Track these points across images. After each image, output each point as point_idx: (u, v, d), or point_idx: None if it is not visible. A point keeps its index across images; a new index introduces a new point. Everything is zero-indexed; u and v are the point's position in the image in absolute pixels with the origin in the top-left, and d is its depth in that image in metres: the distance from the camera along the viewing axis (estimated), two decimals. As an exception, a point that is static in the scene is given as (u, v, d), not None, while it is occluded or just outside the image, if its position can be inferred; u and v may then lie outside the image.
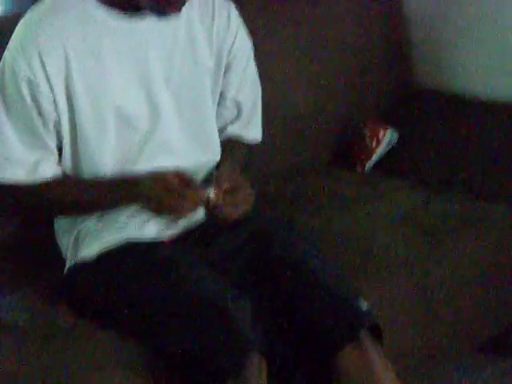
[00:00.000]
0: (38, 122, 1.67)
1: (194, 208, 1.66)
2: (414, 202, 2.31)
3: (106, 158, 1.72)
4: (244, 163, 1.95)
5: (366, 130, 2.57)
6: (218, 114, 1.90)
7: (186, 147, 1.80)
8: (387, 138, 2.56)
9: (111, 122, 1.70)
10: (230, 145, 1.93)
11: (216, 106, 1.89)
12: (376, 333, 1.64)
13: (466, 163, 2.44)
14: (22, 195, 1.73)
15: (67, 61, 1.65)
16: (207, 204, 1.66)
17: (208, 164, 1.85)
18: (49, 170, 1.71)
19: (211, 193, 1.65)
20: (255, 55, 1.94)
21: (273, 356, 1.57)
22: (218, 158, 1.87)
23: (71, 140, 1.71)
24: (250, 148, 2.00)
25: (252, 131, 1.98)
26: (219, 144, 1.88)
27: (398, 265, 2.01)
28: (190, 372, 1.53)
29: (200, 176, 1.83)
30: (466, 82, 2.68)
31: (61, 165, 1.74)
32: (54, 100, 1.66)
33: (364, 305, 1.66)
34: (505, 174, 2.36)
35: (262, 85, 1.99)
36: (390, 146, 2.58)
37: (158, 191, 1.65)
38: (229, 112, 1.92)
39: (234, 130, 1.94)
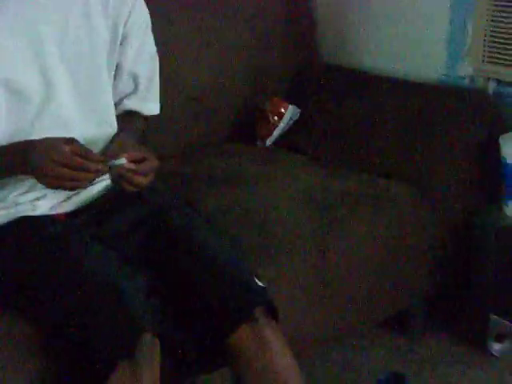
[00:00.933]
0: None
1: (90, 179, 1.59)
2: (315, 180, 2.31)
3: None
4: (142, 136, 1.91)
5: (267, 105, 2.57)
6: (115, 87, 1.87)
7: (81, 120, 1.76)
8: (288, 113, 2.57)
9: (2, 93, 1.64)
10: (126, 118, 1.90)
11: (112, 80, 1.85)
12: (273, 313, 1.64)
13: (366, 140, 2.46)
14: None
15: None
16: (118, 173, 1.60)
17: (104, 137, 1.81)
18: None
19: (121, 161, 1.59)
20: (157, 31, 1.91)
21: (167, 336, 1.55)
22: (114, 131, 1.83)
23: None
24: (148, 121, 1.97)
25: (149, 105, 1.95)
26: (115, 118, 1.85)
27: (297, 243, 2.01)
28: (82, 353, 1.50)
29: (95, 150, 1.78)
30: (369, 59, 2.71)
31: None
32: None
33: (259, 284, 1.65)
34: (402, 152, 2.38)
35: (162, 61, 1.95)
36: (292, 122, 2.58)
37: (48, 164, 1.55)
38: (125, 85, 1.89)
39: (130, 103, 1.91)
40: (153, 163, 1.67)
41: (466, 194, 2.39)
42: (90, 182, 1.62)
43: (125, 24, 1.80)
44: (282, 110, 2.56)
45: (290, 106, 2.57)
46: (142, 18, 1.86)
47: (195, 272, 1.64)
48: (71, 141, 1.59)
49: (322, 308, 2.07)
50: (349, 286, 2.12)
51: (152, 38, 1.91)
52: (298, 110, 2.58)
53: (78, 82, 1.74)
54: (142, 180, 1.64)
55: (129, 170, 1.60)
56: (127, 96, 1.90)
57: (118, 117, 1.86)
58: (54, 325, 1.56)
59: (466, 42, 2.49)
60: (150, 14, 1.88)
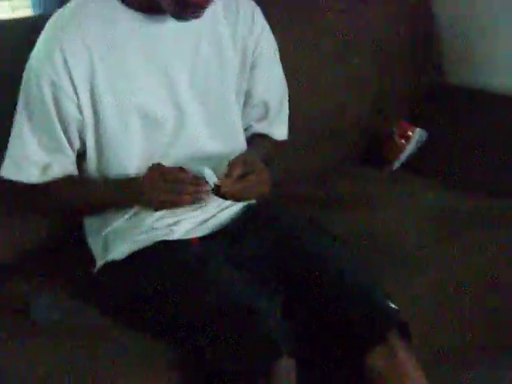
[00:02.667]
0: (57, 125, 1.70)
1: (192, 196, 1.65)
2: (443, 203, 2.30)
3: (132, 160, 1.74)
4: (268, 157, 1.92)
5: (395, 129, 2.57)
6: (246, 114, 1.92)
7: (213, 146, 1.81)
8: (416, 137, 2.56)
9: (136, 124, 1.73)
10: (255, 139, 1.95)
11: (242, 106, 1.90)
12: (406, 334, 1.64)
13: (495, 162, 2.42)
14: (35, 195, 1.77)
15: (92, 64, 1.67)
16: (217, 192, 1.64)
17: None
18: (60, 170, 1.74)
19: (213, 180, 1.63)
20: (280, 55, 1.96)
21: (302, 358, 1.57)
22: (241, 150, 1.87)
23: (95, 142, 1.73)
24: (276, 145, 2.00)
25: (278, 129, 1.99)
26: (245, 142, 1.89)
27: (427, 266, 2.01)
28: (218, 375, 1.52)
29: None
30: (496, 78, 2.66)
31: (74, 166, 1.77)
32: (78, 103, 1.69)
33: (393, 306, 1.66)
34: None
35: (288, 87, 1.99)
36: (419, 146, 2.57)
37: (153, 180, 1.64)
38: (256, 111, 1.94)
39: (259, 127, 1.96)
40: (259, 176, 1.68)
41: None
42: (193, 198, 1.66)
43: (253, 53, 1.85)
44: (410, 133, 2.55)
45: (418, 129, 2.55)
46: (270, 45, 1.90)
47: (328, 293, 1.66)
48: (178, 167, 1.67)
49: (455, 327, 2.06)
50: (483, 305, 2.11)
51: (280, 64, 1.95)
52: (426, 133, 2.57)
53: (208, 110, 1.80)
54: (241, 196, 1.68)
55: (223, 189, 1.63)
56: (257, 120, 1.95)
57: (246, 139, 1.91)
58: (190, 347, 1.60)
59: None
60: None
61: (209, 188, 1.63)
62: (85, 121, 1.70)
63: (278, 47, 1.96)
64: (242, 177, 1.66)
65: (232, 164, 1.66)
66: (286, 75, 2.00)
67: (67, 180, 1.75)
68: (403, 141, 2.55)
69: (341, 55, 2.54)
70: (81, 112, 1.70)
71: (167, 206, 1.69)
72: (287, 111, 2.01)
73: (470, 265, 2.09)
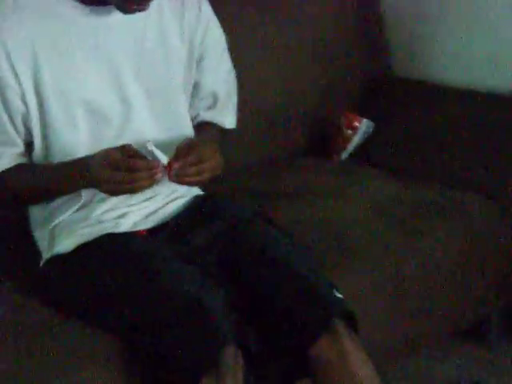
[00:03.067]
0: (4, 117, 1.68)
1: (148, 182, 1.59)
2: (389, 192, 2.32)
3: (79, 153, 1.72)
4: (216, 141, 1.90)
5: (341, 119, 2.59)
6: (194, 105, 1.92)
7: (160, 139, 1.79)
8: (363, 127, 2.58)
9: (82, 117, 1.72)
10: (203, 126, 1.94)
11: (189, 97, 1.90)
12: (351, 324, 1.65)
13: (440, 152, 2.46)
14: None
15: (35, 57, 1.66)
16: (168, 172, 1.61)
17: None
18: (9, 162, 1.73)
19: (164, 159, 1.60)
20: (228, 47, 1.96)
21: (248, 348, 1.58)
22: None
23: (42, 135, 1.72)
24: (224, 133, 2.00)
25: (226, 118, 1.99)
26: (193, 134, 1.89)
27: (373, 256, 2.03)
28: (165, 366, 1.53)
29: None
30: (441, 71, 2.69)
31: (25, 156, 1.75)
32: (23, 96, 1.67)
33: (338, 295, 1.67)
34: (477, 163, 2.37)
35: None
36: (366, 136, 2.59)
37: (103, 171, 1.59)
38: (204, 102, 1.94)
39: (207, 116, 1.96)
40: (211, 163, 1.65)
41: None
42: (149, 183, 1.60)
43: (201, 44, 1.85)
44: (357, 124, 2.57)
45: (364, 120, 2.58)
46: (217, 37, 1.91)
47: (274, 283, 1.66)
48: (124, 146, 1.62)
49: (397, 319, 2.08)
50: (424, 297, 2.13)
51: (228, 55, 1.96)
52: (372, 124, 2.59)
53: (154, 100, 1.79)
54: (192, 181, 1.65)
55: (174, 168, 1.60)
56: (205, 110, 1.95)
57: (194, 128, 1.91)
58: (135, 339, 1.60)
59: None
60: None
61: (162, 169, 1.59)
62: (30, 114, 1.69)
63: (227, 40, 1.96)
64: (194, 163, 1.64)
65: (178, 148, 1.64)
66: (234, 67, 2.00)
67: (16, 168, 1.74)
68: (350, 131, 2.57)
69: (288, 47, 2.55)
70: (26, 105, 1.68)
71: (121, 194, 1.66)
72: (235, 101, 2.01)
73: (416, 255, 2.11)
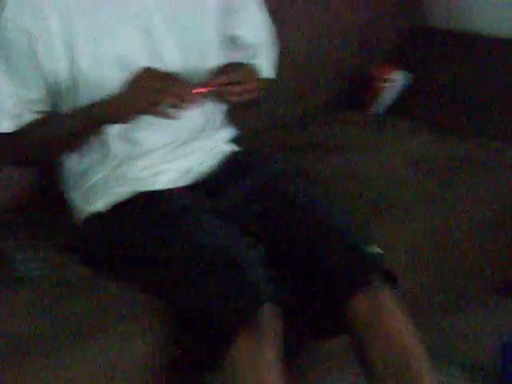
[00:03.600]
0: (33, 74, 1.67)
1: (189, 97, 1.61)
2: (426, 145, 2.30)
3: None
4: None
5: (377, 71, 2.56)
6: (232, 58, 1.87)
7: None
8: (399, 79, 2.54)
9: (114, 72, 1.69)
10: None
11: (226, 51, 1.86)
12: (390, 279, 1.64)
13: (479, 104, 2.43)
14: (12, 144, 1.73)
15: (68, 12, 1.65)
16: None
17: (217, 109, 1.85)
18: (32, 118, 1.71)
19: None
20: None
21: (287, 304, 1.57)
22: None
23: (71, 92, 1.70)
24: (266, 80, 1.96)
25: (266, 68, 1.95)
26: None
27: (410, 208, 2.01)
28: (203, 322, 1.53)
29: (213, 123, 1.84)
30: (479, 20, 2.64)
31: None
32: (54, 54, 1.66)
33: (376, 250, 1.66)
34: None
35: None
36: (403, 88, 2.55)
37: (142, 79, 1.60)
38: (242, 55, 1.90)
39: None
40: (251, 85, 1.67)
41: None
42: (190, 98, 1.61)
43: None
44: (392, 76, 2.54)
45: (399, 72, 2.54)
46: None
47: (312, 240, 1.65)
48: (157, 70, 1.62)
49: (437, 274, 2.07)
50: (464, 251, 2.11)
51: (264, 8, 1.92)
52: (409, 76, 2.55)
53: (188, 57, 1.77)
54: (235, 97, 1.66)
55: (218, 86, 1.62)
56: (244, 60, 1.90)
57: None
58: (172, 296, 1.60)
59: None
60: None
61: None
62: (60, 70, 1.67)
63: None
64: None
65: (217, 68, 1.66)
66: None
67: (39, 120, 1.72)
68: (386, 84, 2.53)
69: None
70: (56, 61, 1.67)
71: (148, 109, 1.61)
72: (274, 54, 1.98)
73: (456, 208, 2.09)
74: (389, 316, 1.60)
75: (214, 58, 1.81)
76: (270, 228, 1.70)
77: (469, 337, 2.29)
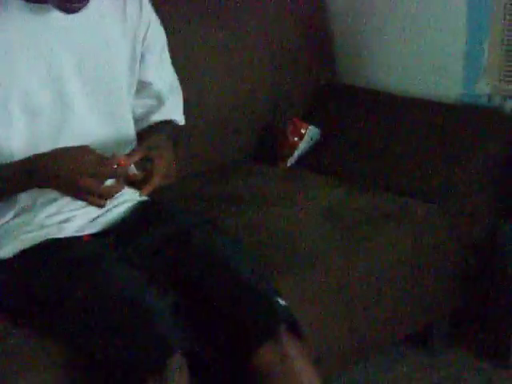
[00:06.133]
0: None
1: (116, 187, 1.62)
2: (336, 198, 2.34)
3: (13, 148, 1.69)
4: (173, 138, 1.89)
5: (288, 126, 2.60)
6: (138, 104, 1.90)
7: (101, 139, 1.78)
8: (309, 134, 2.59)
9: (18, 112, 1.68)
10: (154, 126, 1.92)
11: (133, 98, 1.88)
12: (296, 331, 1.64)
13: (385, 159, 2.48)
14: None
15: None
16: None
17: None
18: None
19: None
20: (172, 49, 1.96)
21: (194, 355, 1.57)
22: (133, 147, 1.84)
23: None
24: (176, 130, 1.98)
25: (175, 114, 1.97)
26: (135, 134, 1.88)
27: (320, 261, 2.03)
28: (111, 372, 1.51)
29: None
30: (387, 79, 2.73)
31: None
32: None
33: (282, 302, 1.66)
34: (422, 169, 2.40)
35: (182, 83, 1.99)
36: (313, 143, 2.60)
37: (67, 169, 1.57)
38: (149, 101, 1.92)
39: (156, 117, 1.94)
40: (158, 166, 1.65)
41: (486, 210, 2.41)
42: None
43: (143, 39, 1.84)
44: (302, 131, 2.58)
45: (310, 127, 2.59)
46: (159, 33, 1.90)
47: (219, 290, 1.65)
48: (90, 149, 1.61)
49: (344, 325, 2.08)
50: (372, 304, 2.14)
51: (168, 54, 1.95)
52: (318, 131, 2.61)
53: (96, 102, 1.77)
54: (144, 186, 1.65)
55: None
56: (153, 111, 1.93)
57: (143, 131, 1.89)
58: (80, 345, 1.58)
59: (483, 61, 2.51)
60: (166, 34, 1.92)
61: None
62: None
63: (172, 41, 1.95)
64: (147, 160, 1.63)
65: (134, 150, 1.65)
66: (179, 69, 2.00)
67: None
68: (296, 138, 2.58)
69: (234, 50, 2.55)
70: None
71: (87, 201, 1.62)
72: (181, 97, 2.00)
73: (363, 261, 2.12)
74: (294, 366, 1.59)
75: (124, 106, 1.84)
76: (180, 277, 1.69)
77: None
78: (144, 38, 1.84)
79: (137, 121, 1.91)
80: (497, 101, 2.51)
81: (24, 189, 1.68)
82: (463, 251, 2.36)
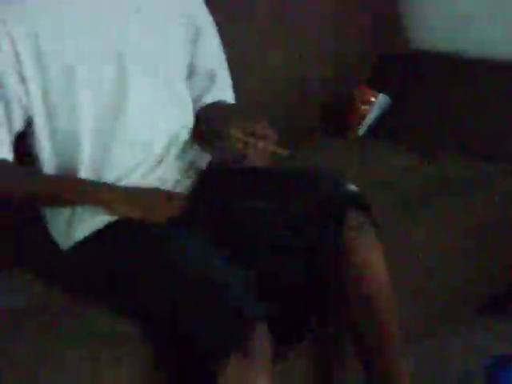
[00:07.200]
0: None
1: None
2: (409, 166, 2.31)
3: (82, 126, 1.71)
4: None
5: (357, 94, 2.56)
6: (191, 86, 1.90)
7: (159, 111, 1.79)
8: (379, 101, 2.56)
9: (82, 86, 1.70)
10: (215, 106, 1.91)
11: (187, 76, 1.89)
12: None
13: (459, 125, 2.45)
14: None
15: (36, 36, 1.65)
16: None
17: (183, 129, 1.84)
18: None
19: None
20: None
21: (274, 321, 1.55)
22: (191, 121, 1.86)
23: (44, 112, 1.70)
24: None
25: (227, 93, 1.96)
26: (191, 109, 1.88)
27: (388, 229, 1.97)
28: (191, 353, 1.52)
29: (179, 142, 1.83)
30: (459, 41, 2.66)
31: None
32: (23, 75, 1.66)
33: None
34: (497, 135, 2.37)
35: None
36: (383, 111, 2.57)
37: (157, 214, 1.69)
38: (201, 82, 1.91)
39: (210, 97, 1.93)
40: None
41: None
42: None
43: (197, 19, 1.85)
44: (372, 99, 2.55)
45: (380, 95, 2.56)
46: (208, 15, 1.90)
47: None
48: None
49: (417, 297, 2.06)
50: (444, 271, 2.12)
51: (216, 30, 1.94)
52: (388, 98, 2.57)
53: (154, 83, 1.78)
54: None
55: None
56: (205, 91, 1.92)
57: (201, 111, 1.89)
58: (161, 325, 1.59)
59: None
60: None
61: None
62: (30, 91, 1.67)
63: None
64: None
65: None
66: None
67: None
68: (366, 107, 2.55)
69: (296, 17, 2.52)
70: (24, 83, 1.66)
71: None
72: (229, 76, 1.98)
73: (436, 227, 2.10)
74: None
75: (180, 86, 1.84)
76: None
77: (452, 361, 2.28)
78: (197, 17, 1.85)
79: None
80: None
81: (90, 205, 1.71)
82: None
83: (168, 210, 1.71)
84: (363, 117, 2.55)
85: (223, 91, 1.95)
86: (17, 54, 1.65)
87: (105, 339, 1.57)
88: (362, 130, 2.56)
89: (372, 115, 2.55)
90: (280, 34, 2.48)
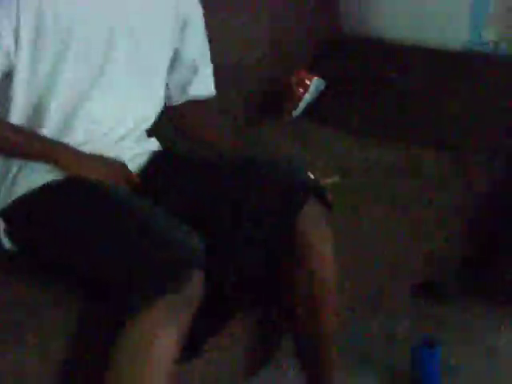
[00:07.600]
0: None
1: None
2: (342, 149, 2.33)
3: (60, 86, 1.69)
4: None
5: (293, 78, 2.58)
6: (176, 75, 1.91)
7: (132, 92, 1.79)
8: (314, 85, 2.58)
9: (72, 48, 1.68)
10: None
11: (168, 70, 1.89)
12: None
13: (391, 108, 2.49)
14: None
15: None
16: None
17: (150, 118, 1.86)
18: None
19: None
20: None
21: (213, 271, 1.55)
22: (158, 110, 1.87)
23: (29, 62, 1.66)
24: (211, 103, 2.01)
25: (210, 86, 1.99)
26: (161, 102, 1.89)
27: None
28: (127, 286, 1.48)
29: (141, 128, 1.84)
30: (392, 29, 2.71)
31: None
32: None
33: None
34: (430, 118, 2.41)
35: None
36: (317, 94, 2.58)
37: (102, 175, 1.68)
38: (186, 72, 1.92)
39: (192, 89, 1.94)
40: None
41: (497, 159, 2.39)
42: None
43: (184, 11, 1.85)
44: (308, 82, 2.56)
45: (315, 78, 2.58)
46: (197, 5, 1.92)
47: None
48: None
49: (353, 275, 2.03)
50: (380, 252, 2.11)
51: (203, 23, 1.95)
52: (323, 82, 2.59)
53: (139, 55, 1.78)
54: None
55: None
56: (189, 82, 1.93)
57: (182, 107, 1.94)
58: (100, 267, 1.54)
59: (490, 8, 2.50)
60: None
61: None
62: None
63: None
64: None
65: None
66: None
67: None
68: (301, 89, 2.56)
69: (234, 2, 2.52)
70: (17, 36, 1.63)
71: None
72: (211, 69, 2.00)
73: (373, 210, 2.11)
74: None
75: (161, 66, 1.86)
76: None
77: (384, 339, 2.31)
78: (185, 7, 1.85)
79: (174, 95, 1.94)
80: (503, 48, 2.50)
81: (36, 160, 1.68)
82: (472, 200, 2.34)
83: (120, 177, 1.71)
84: (299, 99, 2.56)
85: (203, 84, 1.96)
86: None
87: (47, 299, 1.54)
88: (296, 112, 2.57)
89: (307, 98, 2.56)
90: (217, 22, 2.45)
